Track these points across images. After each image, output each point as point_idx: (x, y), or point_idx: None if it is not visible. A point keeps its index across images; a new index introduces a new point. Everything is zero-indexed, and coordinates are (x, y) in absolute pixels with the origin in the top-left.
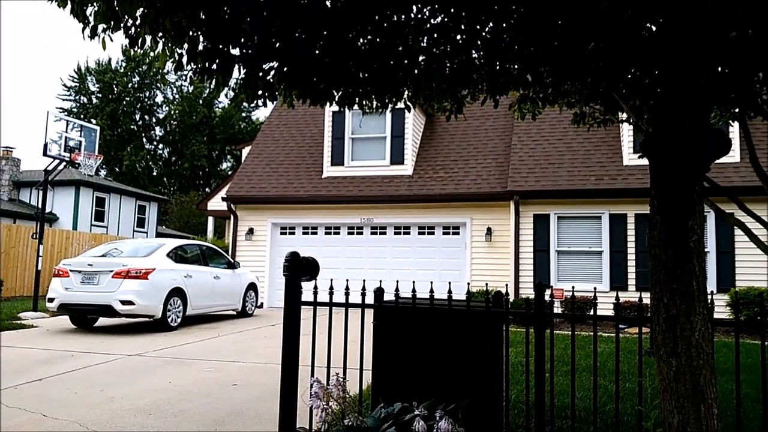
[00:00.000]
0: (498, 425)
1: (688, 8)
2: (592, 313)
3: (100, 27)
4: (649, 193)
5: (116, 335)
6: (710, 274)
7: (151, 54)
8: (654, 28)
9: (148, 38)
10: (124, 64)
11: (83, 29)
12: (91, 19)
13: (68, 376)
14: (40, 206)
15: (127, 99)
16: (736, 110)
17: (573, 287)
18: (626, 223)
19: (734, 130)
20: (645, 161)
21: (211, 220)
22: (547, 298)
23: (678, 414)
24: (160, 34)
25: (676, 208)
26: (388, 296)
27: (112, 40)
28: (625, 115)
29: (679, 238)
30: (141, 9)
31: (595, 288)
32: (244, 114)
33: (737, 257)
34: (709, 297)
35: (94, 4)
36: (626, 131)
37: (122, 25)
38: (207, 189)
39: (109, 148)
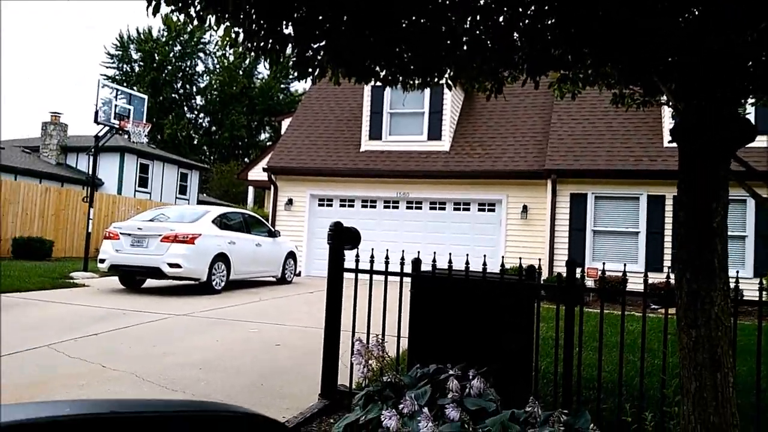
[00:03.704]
0: (527, 390)
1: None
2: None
3: (168, 8)
4: (678, 176)
5: (164, 296)
6: (748, 259)
7: (216, 36)
8: (691, 16)
9: (210, 18)
10: (165, 34)
11: (147, 6)
12: None
13: (121, 332)
14: (89, 171)
15: (168, 68)
16: None
17: (603, 264)
18: (664, 205)
19: None
20: None
21: (251, 189)
22: (578, 275)
23: (695, 380)
24: (219, 14)
25: (701, 191)
26: (425, 267)
27: (179, 19)
28: (665, 98)
29: (703, 219)
30: None
31: (624, 264)
32: (282, 86)
33: None
34: (734, 280)
35: None
36: (667, 113)
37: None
38: (246, 159)
39: (150, 115)
